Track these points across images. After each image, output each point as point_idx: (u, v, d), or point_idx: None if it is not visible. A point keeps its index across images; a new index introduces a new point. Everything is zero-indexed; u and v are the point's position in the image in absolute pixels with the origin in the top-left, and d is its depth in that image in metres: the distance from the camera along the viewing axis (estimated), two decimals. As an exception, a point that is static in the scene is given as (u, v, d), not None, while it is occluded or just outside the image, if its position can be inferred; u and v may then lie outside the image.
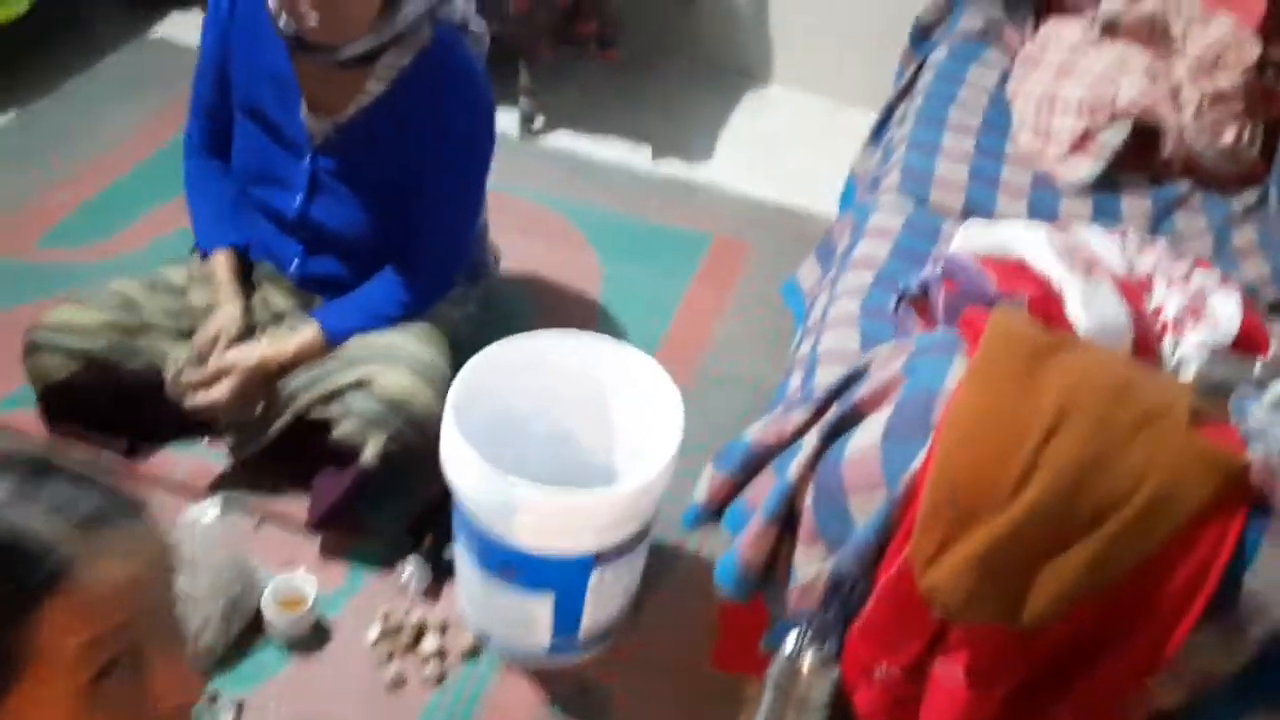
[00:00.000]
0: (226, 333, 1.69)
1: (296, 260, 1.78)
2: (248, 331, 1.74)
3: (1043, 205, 1.86)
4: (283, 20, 1.58)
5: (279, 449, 1.73)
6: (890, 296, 1.53)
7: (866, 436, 1.13)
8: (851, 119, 2.81)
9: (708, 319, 2.28)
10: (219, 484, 1.79)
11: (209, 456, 1.83)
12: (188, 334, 1.75)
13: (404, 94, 1.66)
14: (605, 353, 1.63)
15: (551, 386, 1.66)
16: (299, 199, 1.73)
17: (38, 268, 2.19)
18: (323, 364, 1.68)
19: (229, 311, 1.72)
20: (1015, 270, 1.38)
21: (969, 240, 1.45)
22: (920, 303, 1.44)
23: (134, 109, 2.61)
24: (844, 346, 1.49)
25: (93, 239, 2.26)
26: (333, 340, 1.71)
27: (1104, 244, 1.46)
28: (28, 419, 1.77)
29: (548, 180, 2.61)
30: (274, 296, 1.83)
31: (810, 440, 1.20)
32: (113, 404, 1.77)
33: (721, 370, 2.16)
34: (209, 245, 1.78)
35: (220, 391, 1.64)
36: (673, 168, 2.72)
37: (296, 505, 1.76)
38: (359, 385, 1.62)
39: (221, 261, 1.77)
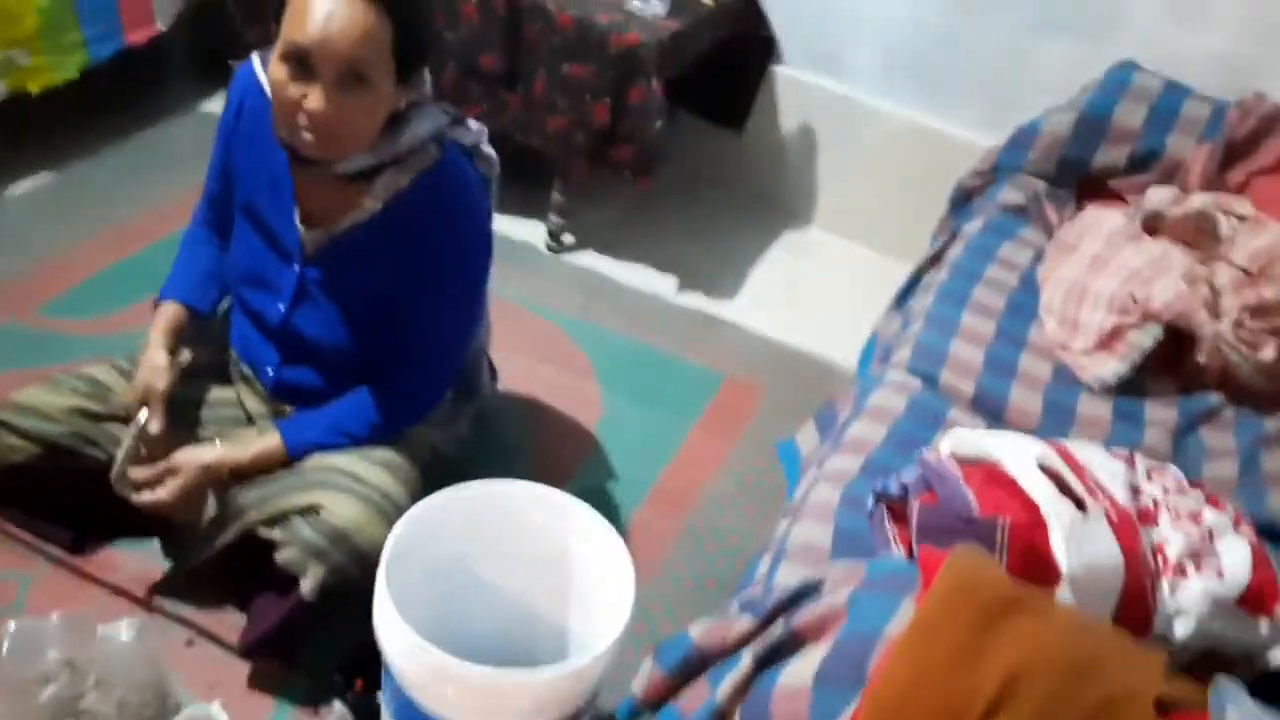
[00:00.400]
0: (155, 390, 1.62)
1: (271, 367, 1.73)
2: (191, 429, 1.70)
3: (1060, 402, 1.75)
4: (282, 129, 1.55)
5: (227, 560, 1.66)
6: (886, 479, 1.43)
7: (799, 672, 1.02)
8: (890, 271, 2.73)
9: (703, 469, 2.18)
10: (158, 589, 1.71)
11: (157, 558, 1.76)
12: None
13: (399, 215, 1.61)
14: (570, 514, 1.54)
15: (508, 538, 1.57)
16: (283, 306, 1.68)
17: (36, 335, 2.17)
18: (278, 479, 1.61)
19: (154, 362, 1.64)
20: (1003, 487, 1.27)
21: (959, 444, 1.34)
22: (899, 506, 1.33)
23: (171, 181, 2.61)
24: (813, 542, 1.38)
25: (103, 310, 2.24)
26: (292, 453, 1.64)
27: (1107, 468, 1.34)
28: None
29: (566, 300, 2.56)
30: (249, 399, 1.77)
31: (745, 660, 1.09)
32: (66, 492, 1.72)
33: (705, 527, 2.05)
34: (163, 296, 1.73)
35: (164, 493, 1.57)
36: (696, 300, 2.65)
37: (233, 625, 1.68)
38: (307, 511, 1.54)
39: (165, 312, 1.71)
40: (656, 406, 2.31)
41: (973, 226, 2.10)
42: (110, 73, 2.66)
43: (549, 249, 2.70)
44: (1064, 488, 1.27)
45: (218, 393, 1.79)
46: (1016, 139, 2.20)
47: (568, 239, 2.74)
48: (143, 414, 1.61)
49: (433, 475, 1.84)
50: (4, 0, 2.30)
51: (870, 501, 1.36)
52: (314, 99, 1.42)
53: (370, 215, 1.61)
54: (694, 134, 2.96)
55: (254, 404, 1.77)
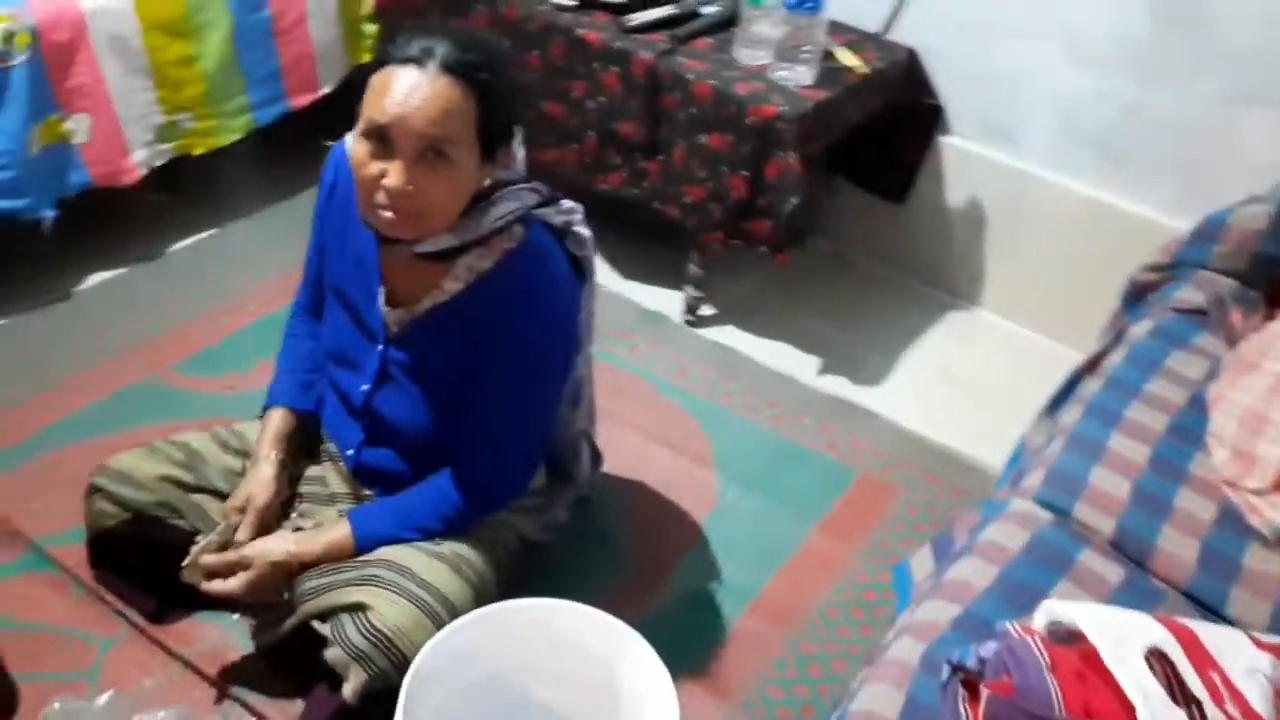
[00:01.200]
0: (255, 502, 1.61)
1: (354, 449, 1.69)
2: (285, 505, 1.68)
3: (1222, 551, 1.47)
4: (364, 208, 1.52)
5: (292, 645, 1.63)
6: (966, 647, 1.22)
7: None
8: (1065, 361, 2.46)
9: (818, 579, 1.98)
10: (226, 674, 1.70)
11: (234, 634, 1.75)
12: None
13: (479, 299, 1.54)
14: (624, 645, 1.41)
15: (553, 658, 1.45)
16: (366, 386, 1.64)
17: (170, 391, 2.24)
18: (339, 570, 1.56)
19: (261, 476, 1.64)
20: (1100, 681, 1.04)
21: (1055, 616, 1.12)
22: (975, 682, 1.13)
23: (320, 240, 2.68)
24: (878, 712, 1.19)
25: (234, 368, 2.30)
26: (360, 547, 1.59)
27: (1246, 661, 1.09)
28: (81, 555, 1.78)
29: (696, 376, 2.43)
30: (333, 478, 1.74)
31: None
32: (154, 559, 1.73)
33: (811, 647, 1.85)
34: (270, 402, 1.74)
35: (234, 585, 1.56)
36: (837, 385, 2.46)
37: (295, 713, 1.64)
38: (356, 609, 1.48)
39: (273, 420, 1.71)
40: (776, 501, 2.14)
41: (1139, 329, 1.83)
42: (276, 133, 2.76)
43: (685, 321, 2.59)
44: (1179, 688, 1.03)
45: (308, 468, 1.77)
46: (1201, 231, 1.91)
47: (705, 311, 2.61)
48: (236, 519, 1.61)
49: (524, 562, 1.77)
50: (171, 67, 2.42)
51: (945, 672, 1.16)
52: (393, 175, 1.38)
53: (451, 297, 1.55)
54: (851, 203, 2.77)
55: (337, 483, 1.74)
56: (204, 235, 2.68)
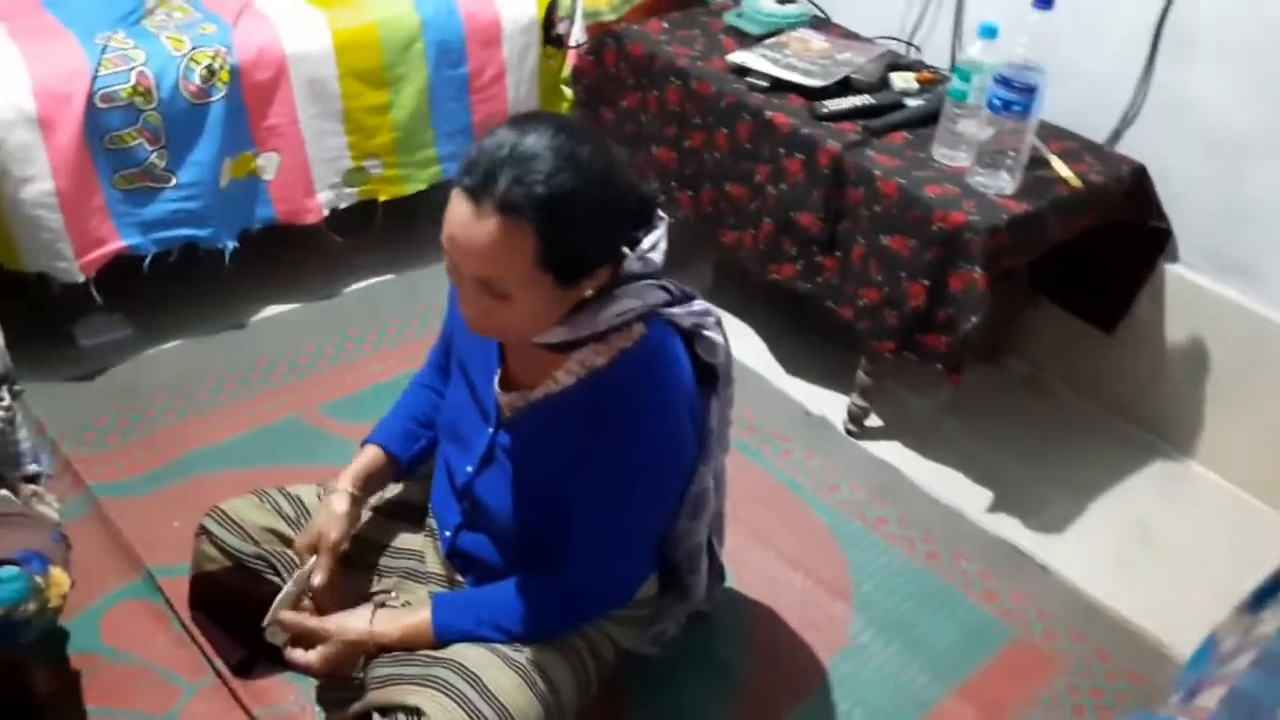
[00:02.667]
0: (326, 540, 1.54)
1: (451, 530, 1.61)
2: (366, 555, 1.62)
3: None
4: None
5: None
6: None
7: None
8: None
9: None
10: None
11: (312, 697, 1.69)
12: (342, 560, 1.63)
13: (590, 396, 1.42)
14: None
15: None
16: (471, 468, 1.55)
17: (311, 431, 2.25)
18: (408, 661, 1.47)
19: (333, 509, 1.56)
20: None
21: None
22: None
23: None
24: None
25: (373, 418, 2.26)
26: (440, 638, 1.49)
27: None
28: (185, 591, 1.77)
29: (848, 494, 2.22)
30: (429, 555, 1.66)
31: None
32: (248, 611, 1.70)
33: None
34: (368, 438, 1.68)
35: (312, 659, 1.49)
36: (1006, 526, 2.19)
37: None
38: (412, 713, 1.38)
39: (363, 455, 1.64)
40: (915, 652, 1.90)
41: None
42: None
43: (847, 431, 2.39)
44: None
45: (406, 538, 1.70)
46: None
47: (871, 422, 2.40)
48: (310, 563, 1.55)
49: (625, 672, 1.64)
50: (365, 114, 2.46)
51: None
52: (460, 300, 1.32)
53: (563, 389, 1.44)
54: (1054, 323, 2.50)
55: (433, 563, 1.65)
56: (377, 280, 2.70)
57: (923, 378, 2.47)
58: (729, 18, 2.60)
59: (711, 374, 1.54)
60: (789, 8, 2.59)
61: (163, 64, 2.15)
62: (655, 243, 1.43)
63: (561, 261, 1.27)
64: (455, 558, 1.61)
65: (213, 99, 2.21)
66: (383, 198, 2.60)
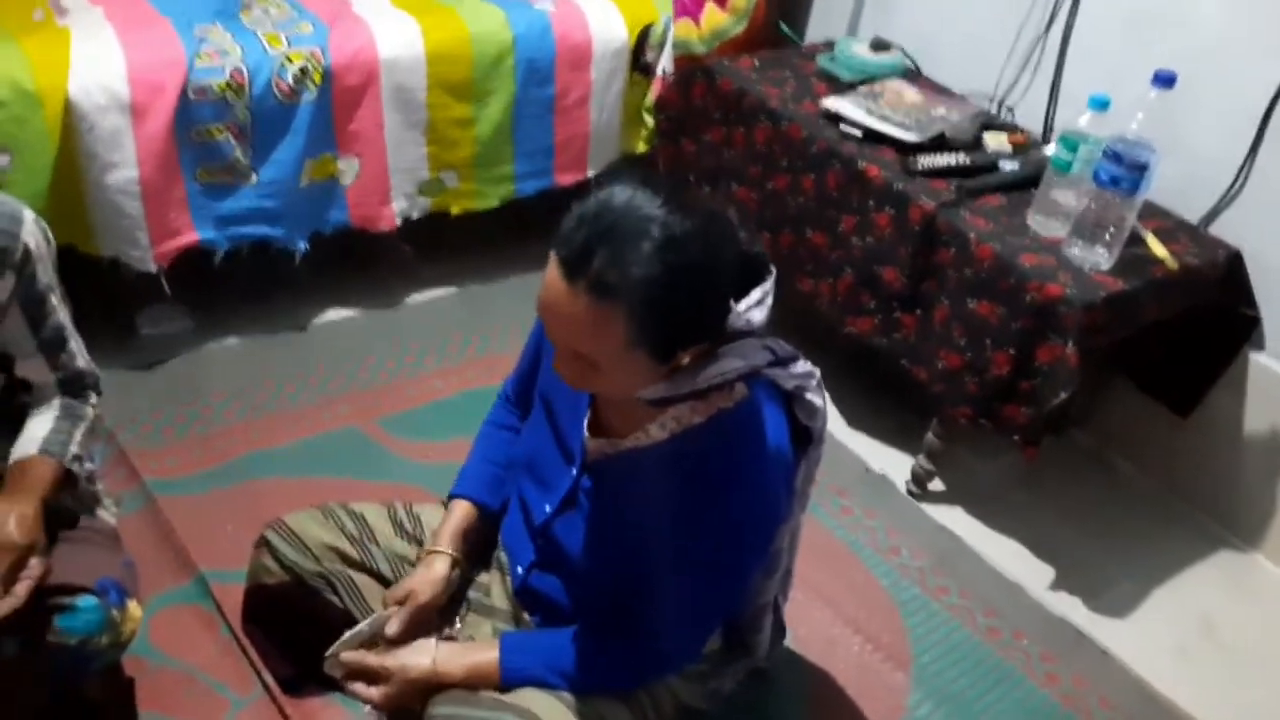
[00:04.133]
0: (416, 599, 1.49)
1: (523, 567, 1.56)
2: (450, 605, 1.55)
3: None
4: None
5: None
6: None
7: None
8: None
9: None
10: (339, 768, 1.59)
11: (360, 723, 1.65)
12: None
13: (682, 453, 1.37)
14: None
15: None
16: (549, 507, 1.51)
17: (368, 445, 2.21)
18: (473, 703, 1.42)
19: (432, 574, 1.52)
20: None
21: None
22: None
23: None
24: None
25: (433, 436, 2.24)
26: (506, 680, 1.45)
27: None
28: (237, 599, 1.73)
29: (908, 559, 2.17)
30: (496, 591, 1.61)
31: None
32: (304, 627, 1.66)
33: None
34: (457, 491, 1.62)
35: (374, 694, 1.45)
36: (1069, 607, 2.14)
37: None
38: (477, 758, 1.34)
39: (456, 513, 1.58)
40: (971, 733, 1.86)
41: None
42: (535, 205, 2.73)
43: (909, 493, 2.34)
44: None
45: (476, 571, 1.66)
46: None
47: (934, 487, 2.35)
48: (391, 611, 1.51)
49: None
50: (448, 126, 2.43)
51: None
52: (556, 358, 1.29)
53: (654, 443, 1.40)
54: (1126, 401, 2.45)
55: (500, 598, 1.60)
56: (442, 292, 2.67)
57: (990, 444, 2.42)
58: (821, 61, 2.57)
59: (806, 435, 1.49)
60: (883, 56, 2.56)
61: (258, 61, 2.13)
62: (761, 299, 1.39)
63: (655, 341, 1.22)
64: (524, 595, 1.57)
65: (302, 99, 2.19)
66: (455, 210, 2.57)
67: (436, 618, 1.56)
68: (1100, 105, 1.98)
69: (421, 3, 2.40)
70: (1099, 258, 2.01)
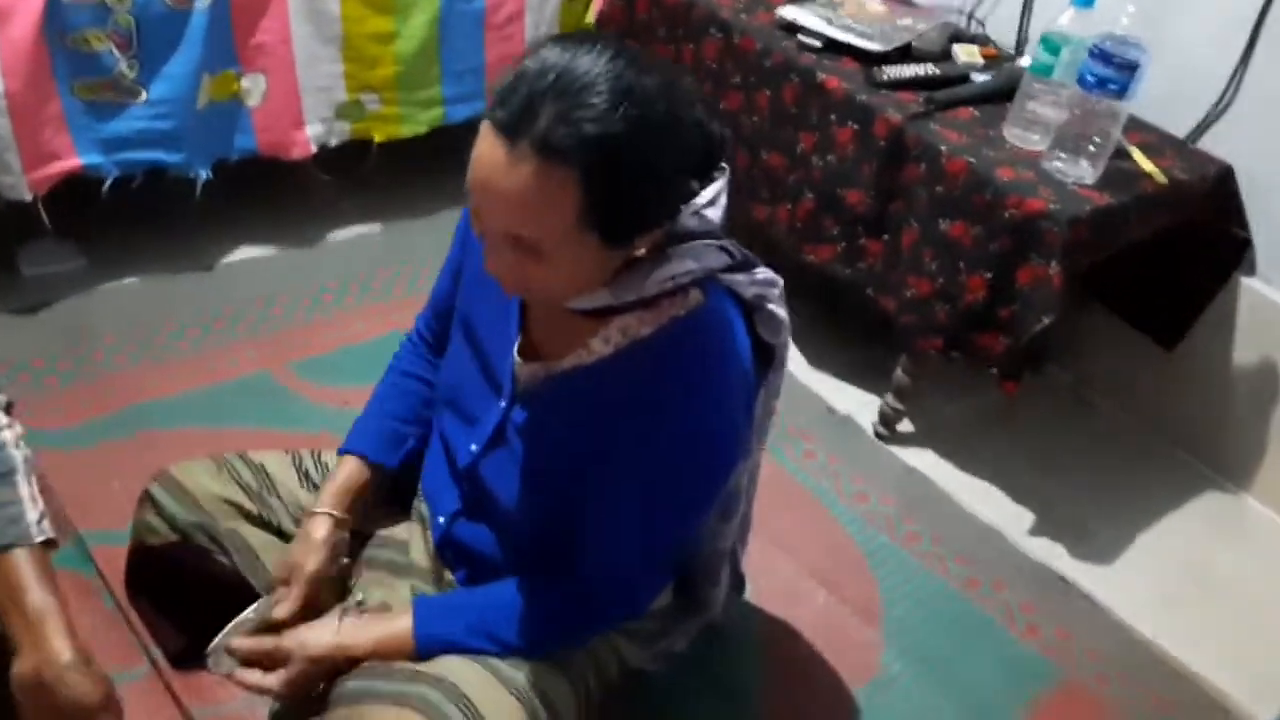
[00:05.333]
0: (301, 571, 1.29)
1: (445, 517, 1.35)
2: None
3: None
4: None
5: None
6: None
7: None
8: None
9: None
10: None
11: (264, 701, 1.44)
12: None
13: (629, 369, 1.17)
14: None
15: None
16: (475, 446, 1.30)
17: (277, 390, 1.99)
18: (382, 674, 1.22)
19: (311, 537, 1.31)
20: None
21: None
22: None
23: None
24: None
25: (350, 381, 2.01)
26: (422, 649, 1.24)
27: None
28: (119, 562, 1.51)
29: (877, 505, 2.00)
30: (416, 548, 1.40)
31: None
32: (194, 592, 1.45)
33: None
34: (346, 447, 1.40)
35: (270, 682, 1.23)
36: (1052, 554, 1.97)
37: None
38: (383, 735, 1.14)
39: (343, 469, 1.37)
40: (952, 690, 1.68)
41: None
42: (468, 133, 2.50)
43: (876, 435, 2.16)
44: None
45: (390, 528, 1.45)
46: None
47: (903, 428, 2.18)
48: (279, 594, 1.29)
49: (623, 692, 1.40)
50: (366, 41, 2.19)
51: None
52: (487, 256, 1.07)
53: (597, 360, 1.19)
54: (1106, 334, 2.28)
55: (419, 554, 1.39)
56: (365, 228, 2.44)
57: (958, 382, 2.25)
58: (776, -29, 2.36)
59: (767, 355, 1.30)
60: (844, -35, 2.35)
61: (141, -43, 1.88)
62: (715, 196, 1.19)
63: (610, 218, 1.01)
64: (447, 549, 1.36)
65: (195, 5, 1.94)
66: (378, 138, 2.33)
67: (334, 589, 1.36)
68: (1085, 4, 1.79)
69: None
70: (1083, 171, 1.83)
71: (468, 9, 2.28)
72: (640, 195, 1.04)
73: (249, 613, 1.27)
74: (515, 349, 1.25)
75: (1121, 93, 1.72)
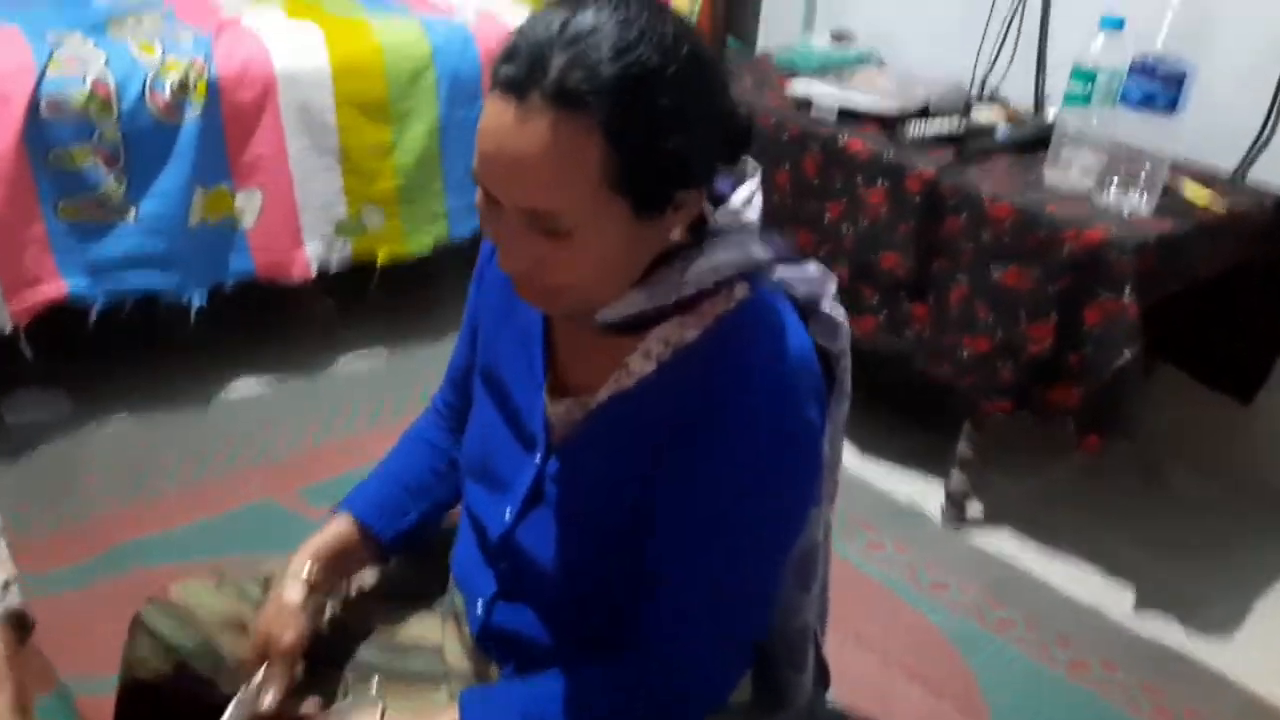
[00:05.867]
0: (277, 645, 1.07)
1: (483, 601, 1.15)
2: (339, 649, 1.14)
3: None
4: None
5: None
6: None
7: None
8: None
9: None
10: None
11: None
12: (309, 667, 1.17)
13: (678, 382, 0.99)
14: None
15: None
16: (510, 511, 1.11)
17: (287, 516, 1.80)
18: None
19: (284, 602, 1.11)
20: None
21: None
22: None
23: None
24: None
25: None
26: (472, 749, 1.03)
27: None
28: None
29: (959, 593, 1.78)
30: (451, 647, 1.19)
31: None
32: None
33: None
34: (343, 504, 1.21)
35: None
36: (1163, 630, 1.75)
37: None
38: None
39: (329, 527, 1.18)
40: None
41: None
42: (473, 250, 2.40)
43: (945, 519, 1.96)
44: None
45: (416, 626, 1.23)
46: None
47: (974, 509, 1.98)
48: (257, 678, 1.09)
49: None
50: (365, 153, 2.11)
51: None
52: (500, 248, 0.92)
53: (639, 381, 1.00)
54: (1174, 392, 2.11)
55: (455, 655, 1.18)
56: (369, 355, 2.30)
57: (1024, 458, 2.07)
58: (779, 57, 2.31)
59: (828, 365, 1.12)
60: (848, 48, 2.31)
61: (127, 70, 1.80)
62: (750, 196, 1.04)
63: (639, 175, 0.86)
64: (489, 640, 1.14)
65: (186, 117, 1.86)
66: (382, 258, 2.22)
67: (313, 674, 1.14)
68: (1114, 25, 1.72)
69: (322, 14, 2.11)
70: (1136, 203, 1.71)
71: (468, 116, 2.21)
72: (670, 146, 0.88)
73: (230, 710, 1.05)
74: (543, 389, 1.09)
75: (1171, 106, 1.63)
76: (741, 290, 0.98)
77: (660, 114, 0.85)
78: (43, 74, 1.72)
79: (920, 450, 2.10)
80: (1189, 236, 1.71)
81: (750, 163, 1.05)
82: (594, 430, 1.03)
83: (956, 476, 1.94)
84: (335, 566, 1.15)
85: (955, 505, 1.96)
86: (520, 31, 0.88)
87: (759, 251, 1.00)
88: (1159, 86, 1.61)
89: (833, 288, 1.07)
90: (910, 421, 2.16)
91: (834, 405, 1.11)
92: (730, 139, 0.99)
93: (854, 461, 2.09)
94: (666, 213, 0.91)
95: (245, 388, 2.15)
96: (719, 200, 1.02)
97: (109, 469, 1.88)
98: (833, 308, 1.07)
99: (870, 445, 2.12)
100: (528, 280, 0.93)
